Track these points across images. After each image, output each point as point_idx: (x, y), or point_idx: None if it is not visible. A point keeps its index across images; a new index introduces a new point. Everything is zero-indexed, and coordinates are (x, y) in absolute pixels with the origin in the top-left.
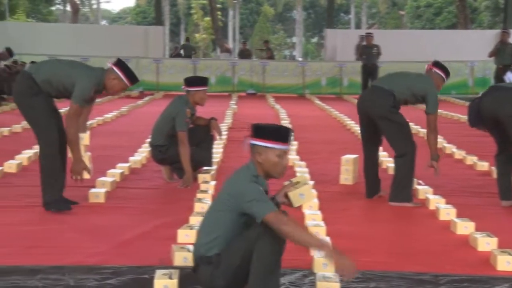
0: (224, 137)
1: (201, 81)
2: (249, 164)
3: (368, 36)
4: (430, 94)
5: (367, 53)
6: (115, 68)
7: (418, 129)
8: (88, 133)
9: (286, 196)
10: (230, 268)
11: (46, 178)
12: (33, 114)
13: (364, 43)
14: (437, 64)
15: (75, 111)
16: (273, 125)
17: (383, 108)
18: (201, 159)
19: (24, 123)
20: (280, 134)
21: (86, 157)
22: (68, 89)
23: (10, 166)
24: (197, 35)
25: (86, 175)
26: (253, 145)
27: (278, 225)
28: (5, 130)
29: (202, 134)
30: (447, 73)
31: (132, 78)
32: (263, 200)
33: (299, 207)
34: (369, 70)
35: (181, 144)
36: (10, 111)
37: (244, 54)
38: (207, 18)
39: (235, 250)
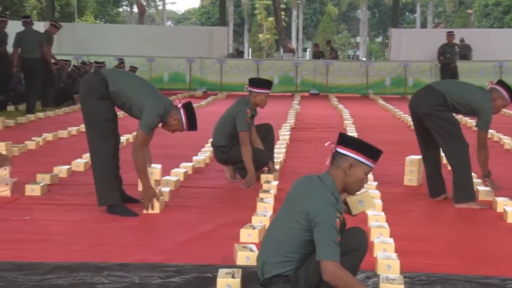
0: (286, 137)
1: (265, 84)
2: (325, 178)
3: (450, 34)
4: (484, 110)
5: (450, 52)
6: (181, 111)
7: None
8: (159, 167)
9: (345, 202)
10: (309, 286)
11: (100, 184)
12: (93, 117)
13: (445, 42)
14: (502, 83)
15: (142, 139)
16: (365, 141)
17: (430, 105)
18: (263, 159)
19: None
20: (374, 152)
21: (156, 190)
22: (133, 111)
23: (78, 164)
24: (260, 35)
25: (156, 204)
26: (343, 155)
27: (333, 278)
28: (74, 130)
29: (264, 134)
30: (511, 95)
31: (192, 126)
32: (332, 243)
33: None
34: (451, 70)
35: (242, 144)
36: (78, 110)
37: (318, 55)
38: (271, 18)
39: (314, 268)
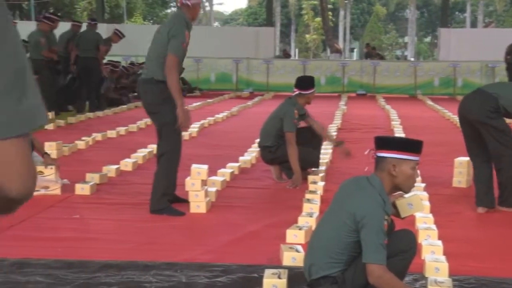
0: (333, 137)
1: (311, 83)
2: (373, 179)
3: None
4: None
5: None
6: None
7: None
8: (206, 168)
9: (394, 205)
10: (357, 287)
11: (165, 182)
12: (173, 120)
13: None
14: None
15: (175, 61)
16: (401, 137)
17: (482, 112)
18: (309, 159)
19: (139, 123)
20: (414, 145)
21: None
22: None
23: (126, 164)
24: (307, 35)
25: (203, 204)
26: (384, 158)
27: (378, 282)
28: (122, 130)
29: (310, 135)
30: None
31: None
32: (379, 245)
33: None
34: None
35: (288, 145)
36: (127, 111)
37: (371, 56)
38: (318, 19)
39: (361, 269)
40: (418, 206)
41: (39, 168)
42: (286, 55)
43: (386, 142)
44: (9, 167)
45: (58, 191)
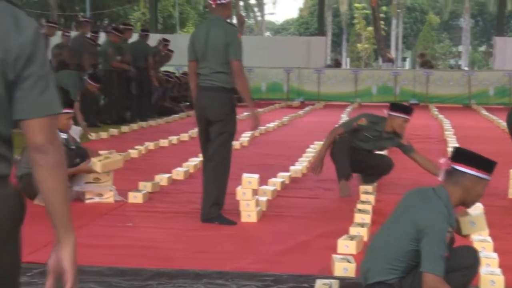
0: None
1: (403, 109)
2: (440, 191)
3: None
4: None
5: None
6: None
7: None
8: (257, 177)
9: (456, 221)
10: None
11: (216, 191)
12: (231, 129)
13: None
14: None
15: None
16: (481, 155)
17: None
18: (384, 162)
19: (191, 132)
20: (491, 166)
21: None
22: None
23: (178, 173)
24: (359, 45)
25: (254, 213)
26: (462, 172)
27: None
28: (174, 139)
29: (378, 162)
30: None
31: None
32: (438, 256)
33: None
34: None
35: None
36: (179, 120)
37: (426, 65)
38: (370, 28)
39: (420, 280)
40: (481, 226)
41: (96, 174)
42: (337, 64)
43: (468, 157)
44: (36, 135)
45: (111, 199)
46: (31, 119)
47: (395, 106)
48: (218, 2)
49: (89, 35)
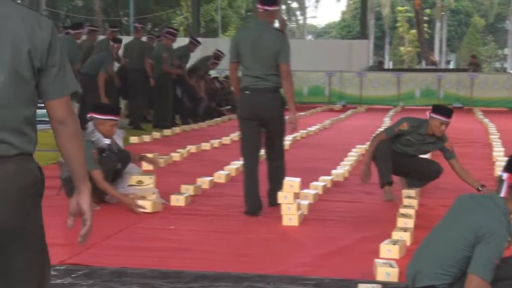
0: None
1: (442, 111)
2: (497, 199)
3: None
4: None
5: None
6: None
7: None
8: (299, 180)
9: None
10: None
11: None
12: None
13: None
14: None
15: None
16: None
17: None
18: (433, 168)
19: (233, 136)
20: None
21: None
22: None
23: (220, 176)
24: (402, 48)
25: (295, 217)
26: None
27: None
28: (216, 142)
29: (428, 168)
30: None
31: None
32: (491, 263)
33: None
34: None
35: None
36: (221, 123)
37: (473, 66)
38: (413, 31)
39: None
40: None
41: (139, 177)
42: (380, 65)
43: None
44: (58, 111)
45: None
46: (54, 99)
47: (435, 108)
48: (266, 8)
49: (144, 38)
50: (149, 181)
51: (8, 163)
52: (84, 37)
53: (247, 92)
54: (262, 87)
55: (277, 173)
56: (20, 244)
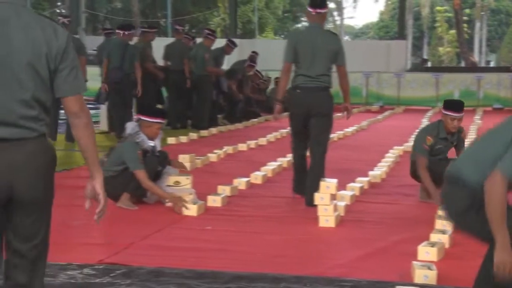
0: None
1: (452, 106)
2: None
3: None
4: None
5: None
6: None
7: None
8: (335, 181)
9: None
10: None
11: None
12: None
13: None
14: None
15: None
16: None
17: None
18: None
19: (269, 137)
20: None
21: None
22: None
23: (256, 177)
24: (440, 48)
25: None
26: None
27: (489, 188)
28: (252, 143)
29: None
30: None
31: None
32: None
33: None
34: None
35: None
36: (258, 124)
37: None
38: (452, 31)
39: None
40: None
41: (176, 178)
42: (423, 63)
43: None
44: (72, 106)
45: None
46: (68, 97)
47: (445, 104)
48: (318, 10)
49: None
50: (186, 182)
51: (32, 143)
52: (135, 39)
53: (298, 90)
54: (313, 86)
55: (318, 170)
56: (41, 208)
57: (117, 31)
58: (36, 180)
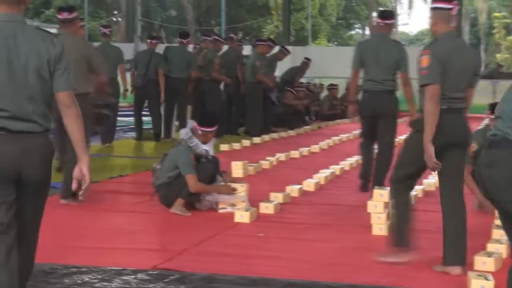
0: None
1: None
2: None
3: None
4: None
5: None
6: None
7: None
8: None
9: None
10: None
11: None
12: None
13: None
14: None
15: None
16: None
17: None
18: None
19: (322, 144)
20: None
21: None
22: None
23: (309, 184)
24: (498, 55)
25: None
26: None
27: None
28: (305, 150)
29: None
30: None
31: None
32: None
33: None
34: None
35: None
36: (310, 132)
37: None
38: (510, 37)
39: None
40: None
41: (233, 185)
42: (499, 69)
43: None
44: (64, 99)
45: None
46: (62, 91)
47: (490, 107)
48: (386, 21)
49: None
50: (241, 189)
51: (39, 137)
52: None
53: (366, 94)
54: (379, 90)
55: (386, 161)
56: (43, 190)
57: (178, 39)
58: (40, 164)
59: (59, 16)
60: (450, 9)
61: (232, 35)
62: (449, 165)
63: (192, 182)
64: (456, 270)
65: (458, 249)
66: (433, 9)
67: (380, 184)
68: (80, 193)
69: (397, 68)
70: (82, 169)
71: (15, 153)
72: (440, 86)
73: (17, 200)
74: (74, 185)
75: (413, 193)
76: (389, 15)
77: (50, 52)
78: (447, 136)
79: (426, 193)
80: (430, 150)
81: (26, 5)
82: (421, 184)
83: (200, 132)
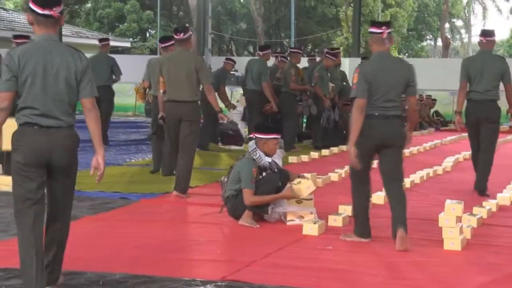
0: None
1: None
2: None
3: None
4: None
5: None
6: None
7: None
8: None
9: None
10: None
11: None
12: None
13: None
14: None
15: None
16: None
17: None
18: None
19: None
20: None
21: None
22: None
23: (378, 197)
24: None
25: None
26: None
27: None
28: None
29: None
30: None
31: None
32: None
33: None
34: None
35: None
36: None
37: None
38: None
39: None
40: None
41: (297, 180)
42: None
43: None
44: (88, 104)
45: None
46: (86, 98)
47: None
48: (488, 38)
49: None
50: (306, 184)
51: (64, 130)
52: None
53: (470, 103)
54: (482, 99)
55: (485, 164)
56: (69, 173)
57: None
58: (65, 152)
59: (176, 37)
60: (381, 33)
61: (294, 50)
62: (386, 163)
63: (246, 196)
64: None
65: None
66: (369, 33)
67: (484, 185)
68: (97, 178)
69: (502, 80)
70: (98, 159)
71: (45, 143)
72: (365, 100)
73: (48, 181)
74: (92, 171)
75: (486, 207)
76: (490, 33)
77: (77, 65)
78: (380, 138)
79: (500, 208)
80: (352, 151)
81: (61, 25)
82: (495, 198)
83: (259, 140)
